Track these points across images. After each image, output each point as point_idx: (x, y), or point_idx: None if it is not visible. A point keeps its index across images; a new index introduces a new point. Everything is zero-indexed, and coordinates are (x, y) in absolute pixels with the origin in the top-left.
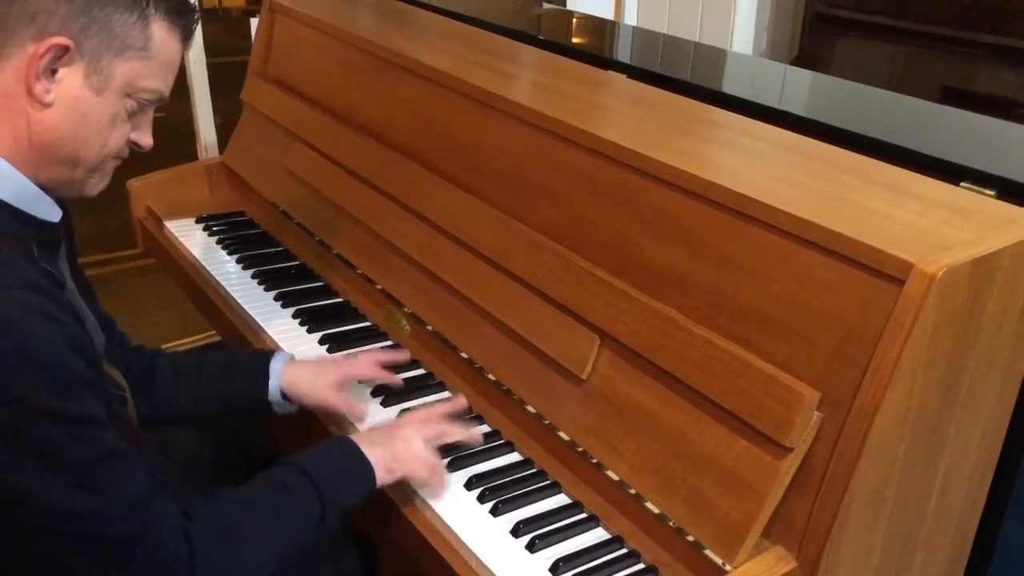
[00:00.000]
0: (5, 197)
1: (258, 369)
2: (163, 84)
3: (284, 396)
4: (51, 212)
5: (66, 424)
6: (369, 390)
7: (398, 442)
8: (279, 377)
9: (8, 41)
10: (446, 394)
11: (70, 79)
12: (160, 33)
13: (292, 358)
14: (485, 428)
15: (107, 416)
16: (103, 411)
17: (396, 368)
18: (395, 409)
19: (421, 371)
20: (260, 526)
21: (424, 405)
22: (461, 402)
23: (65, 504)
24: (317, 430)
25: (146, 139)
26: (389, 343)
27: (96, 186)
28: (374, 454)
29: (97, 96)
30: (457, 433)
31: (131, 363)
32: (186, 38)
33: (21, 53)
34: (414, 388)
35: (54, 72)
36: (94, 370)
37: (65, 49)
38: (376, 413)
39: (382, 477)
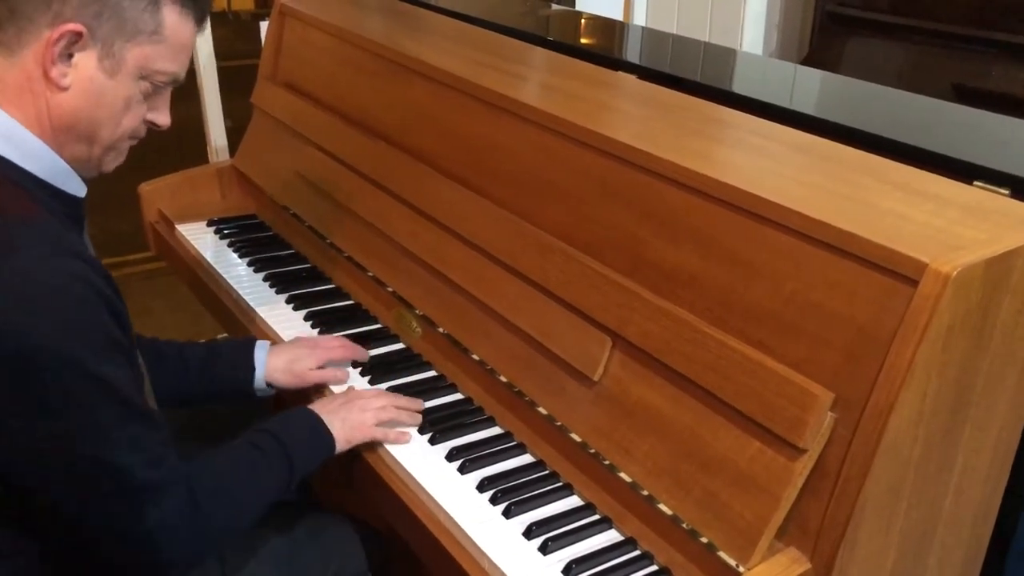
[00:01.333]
0: (38, 172)
1: (242, 361)
2: (178, 66)
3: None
4: (79, 188)
5: (102, 383)
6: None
7: (354, 413)
8: (264, 367)
9: (27, 27)
10: (458, 396)
11: (85, 63)
12: (172, 17)
13: (270, 345)
14: (497, 430)
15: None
16: (134, 376)
17: (407, 367)
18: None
19: (432, 373)
20: (246, 487)
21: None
22: (417, 405)
23: (93, 456)
24: None
25: (163, 118)
26: (401, 346)
27: (112, 163)
28: (333, 426)
29: (111, 79)
30: (407, 420)
31: None
32: (200, 20)
33: (39, 39)
34: (426, 391)
35: (70, 56)
36: (127, 338)
37: (78, 35)
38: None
39: (342, 448)
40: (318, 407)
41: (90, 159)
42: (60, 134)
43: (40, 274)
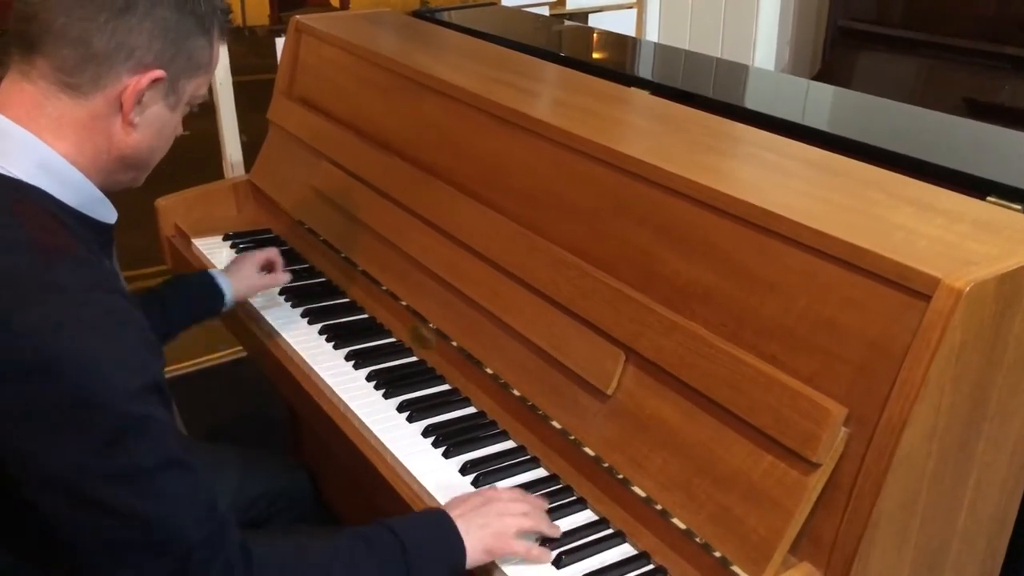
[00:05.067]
0: (73, 203)
1: (211, 287)
2: (208, 88)
3: None
4: (110, 214)
5: (139, 426)
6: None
7: (493, 518)
8: (231, 290)
9: (106, 74)
10: (510, 443)
11: (152, 101)
12: (217, 47)
13: (220, 270)
14: (511, 444)
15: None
16: (169, 418)
17: (421, 380)
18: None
19: (446, 387)
20: (328, 570)
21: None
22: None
23: (129, 506)
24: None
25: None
26: (415, 359)
27: (143, 179)
28: (470, 536)
29: (171, 112)
30: (547, 530)
31: None
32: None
33: (116, 83)
34: (440, 404)
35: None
36: (161, 374)
37: (160, 80)
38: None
39: (478, 558)
40: (451, 507)
41: (133, 180)
42: (114, 165)
43: (85, 310)
